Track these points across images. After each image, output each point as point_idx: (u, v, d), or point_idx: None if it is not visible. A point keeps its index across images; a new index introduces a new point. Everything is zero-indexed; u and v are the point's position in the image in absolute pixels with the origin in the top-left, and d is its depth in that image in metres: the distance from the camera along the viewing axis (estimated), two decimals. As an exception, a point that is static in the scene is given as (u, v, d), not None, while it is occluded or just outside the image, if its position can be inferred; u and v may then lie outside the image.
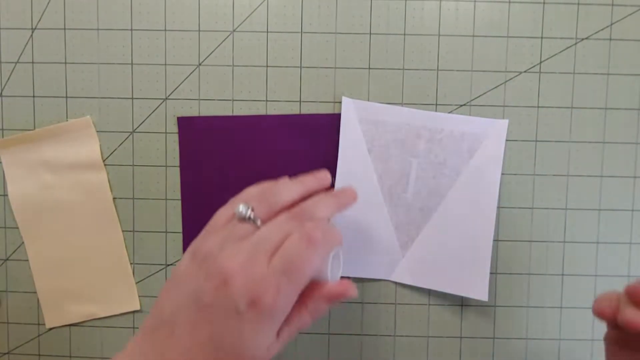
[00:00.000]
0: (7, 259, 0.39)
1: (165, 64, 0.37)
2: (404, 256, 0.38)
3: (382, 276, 0.38)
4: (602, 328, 0.28)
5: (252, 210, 0.28)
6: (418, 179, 0.37)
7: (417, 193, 0.37)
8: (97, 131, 0.38)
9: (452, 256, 0.37)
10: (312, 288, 0.28)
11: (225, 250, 0.26)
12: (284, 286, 0.25)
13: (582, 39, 0.37)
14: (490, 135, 0.36)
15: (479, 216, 0.36)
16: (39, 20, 0.37)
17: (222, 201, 0.38)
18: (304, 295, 0.28)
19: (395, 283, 0.38)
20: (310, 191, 0.30)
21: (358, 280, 0.38)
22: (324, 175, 0.31)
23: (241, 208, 0.28)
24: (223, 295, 0.25)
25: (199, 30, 0.37)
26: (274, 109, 0.37)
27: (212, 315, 0.25)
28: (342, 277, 0.29)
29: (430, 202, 0.37)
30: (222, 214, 0.30)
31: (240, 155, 0.37)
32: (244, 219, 0.28)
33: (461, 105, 0.37)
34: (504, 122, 0.37)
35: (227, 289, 0.25)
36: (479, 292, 0.37)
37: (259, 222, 0.28)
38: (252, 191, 0.30)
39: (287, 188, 0.30)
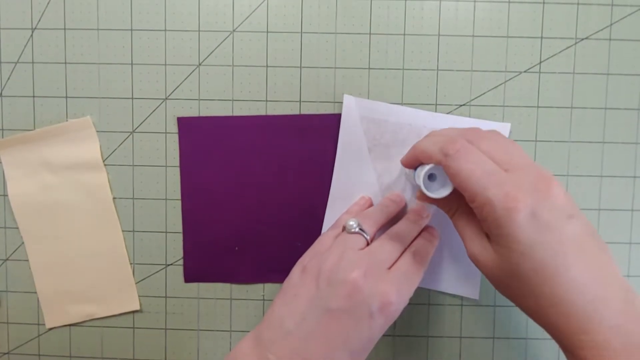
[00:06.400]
0: (7, 259, 0.39)
1: (165, 64, 0.37)
2: None
3: None
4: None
5: (360, 225, 0.32)
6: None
7: (415, 193, 0.37)
8: (97, 131, 0.38)
9: (446, 256, 0.37)
10: None
11: (345, 259, 0.29)
12: (405, 289, 0.30)
13: (582, 39, 0.37)
14: None
15: None
16: (39, 20, 0.37)
17: (222, 201, 0.38)
18: None
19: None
20: (392, 214, 0.35)
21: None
22: (399, 199, 0.36)
23: (352, 222, 0.32)
24: (356, 301, 0.28)
25: (199, 30, 0.37)
26: (274, 109, 0.37)
27: (344, 320, 0.28)
28: None
29: None
30: (327, 235, 0.33)
31: (240, 155, 0.37)
32: (354, 232, 0.31)
33: (461, 105, 0.37)
34: (506, 126, 0.37)
35: (360, 294, 0.28)
36: (471, 291, 0.37)
37: (367, 236, 0.31)
38: (351, 212, 0.36)
39: (378, 212, 0.34)
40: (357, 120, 0.37)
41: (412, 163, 0.32)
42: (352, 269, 0.29)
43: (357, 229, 0.31)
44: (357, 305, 0.28)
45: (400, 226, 0.33)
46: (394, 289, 0.29)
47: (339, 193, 0.37)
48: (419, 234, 0.34)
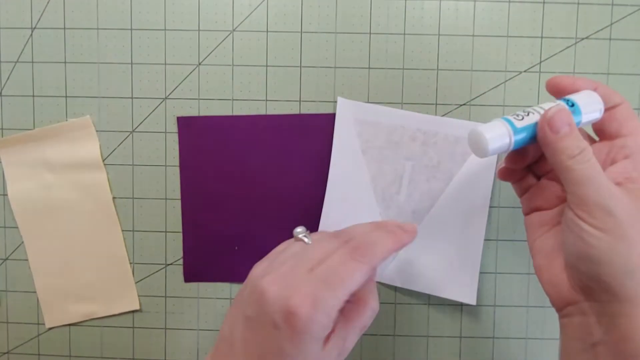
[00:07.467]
0: (7, 259, 0.39)
1: (165, 64, 0.37)
2: (395, 258, 0.38)
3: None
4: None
5: (308, 231, 0.30)
6: (411, 181, 0.37)
7: (409, 195, 0.37)
8: (97, 131, 0.38)
9: (442, 260, 0.37)
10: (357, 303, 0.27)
11: (272, 264, 0.28)
12: (322, 296, 0.24)
13: (582, 39, 0.37)
14: None
15: (470, 221, 0.36)
16: (39, 20, 0.37)
17: (222, 201, 0.38)
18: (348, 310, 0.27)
19: (395, 283, 0.38)
20: (398, 245, 0.28)
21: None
22: (411, 229, 0.29)
23: (298, 229, 0.30)
24: (262, 308, 0.25)
25: (199, 30, 0.37)
26: (274, 109, 0.37)
27: (256, 330, 0.26)
28: None
29: (422, 205, 0.37)
30: (282, 243, 0.31)
31: (240, 155, 0.38)
32: (298, 238, 0.29)
33: (461, 105, 0.37)
34: None
35: (264, 300, 0.25)
36: (468, 296, 0.37)
37: (308, 241, 0.29)
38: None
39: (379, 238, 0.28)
40: (351, 123, 0.37)
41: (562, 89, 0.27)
42: (265, 274, 0.26)
43: (300, 235, 0.29)
44: (262, 314, 0.25)
45: (364, 227, 0.29)
46: (305, 297, 0.24)
47: (334, 194, 0.37)
48: None
